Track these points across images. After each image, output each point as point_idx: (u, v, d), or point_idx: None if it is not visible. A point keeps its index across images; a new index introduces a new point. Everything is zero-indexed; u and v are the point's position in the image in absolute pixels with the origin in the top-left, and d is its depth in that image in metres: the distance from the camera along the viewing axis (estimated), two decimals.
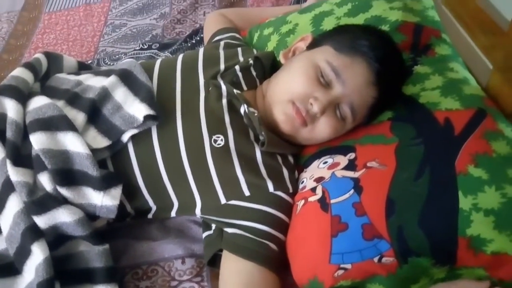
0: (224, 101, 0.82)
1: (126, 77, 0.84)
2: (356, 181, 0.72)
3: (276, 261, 0.74)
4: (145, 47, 1.29)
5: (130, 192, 0.81)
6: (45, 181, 0.75)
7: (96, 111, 0.81)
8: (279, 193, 0.79)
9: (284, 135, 0.83)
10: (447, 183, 0.67)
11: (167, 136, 0.79)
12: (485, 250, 0.63)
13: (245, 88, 0.89)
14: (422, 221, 0.65)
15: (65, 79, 0.91)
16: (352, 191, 0.71)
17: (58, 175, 0.74)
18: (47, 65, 0.93)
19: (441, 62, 0.87)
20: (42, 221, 0.73)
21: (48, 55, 0.94)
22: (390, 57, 0.81)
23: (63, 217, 0.74)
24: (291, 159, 0.86)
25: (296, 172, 0.84)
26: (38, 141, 0.76)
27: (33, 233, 0.72)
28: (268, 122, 0.83)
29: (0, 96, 0.82)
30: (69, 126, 0.77)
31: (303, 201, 0.76)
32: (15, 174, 0.74)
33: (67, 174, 0.75)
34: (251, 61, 0.91)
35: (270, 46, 1.04)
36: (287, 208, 0.79)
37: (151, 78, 0.85)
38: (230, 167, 0.78)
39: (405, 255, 0.65)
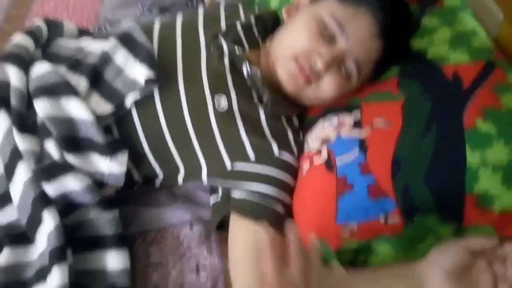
0: (226, 61, 0.81)
1: (126, 40, 0.82)
2: (361, 140, 0.71)
3: (283, 223, 0.74)
4: (146, 10, 1.26)
5: (137, 158, 0.81)
6: (51, 148, 0.75)
7: (97, 76, 0.80)
8: (284, 155, 0.78)
9: (288, 96, 0.82)
10: (454, 139, 0.65)
11: (169, 99, 0.78)
12: (493, 207, 0.62)
13: (247, 47, 0.87)
14: (428, 179, 0.64)
15: (66, 45, 0.90)
16: (357, 151, 0.70)
17: (64, 142, 0.75)
18: (48, 32, 0.91)
19: (449, 13, 0.84)
20: (51, 188, 0.74)
21: (48, 22, 0.92)
22: (396, 8, 0.79)
23: (71, 184, 0.74)
24: (295, 120, 0.84)
25: (301, 134, 0.83)
26: (42, 108, 0.75)
27: (43, 201, 0.73)
28: (272, 82, 0.82)
29: (2, 64, 0.81)
30: (72, 91, 0.76)
31: (308, 163, 0.75)
32: (22, 142, 0.75)
33: (73, 141, 0.76)
34: (253, 20, 0.89)
35: (273, 5, 1.01)
36: (293, 170, 0.78)
37: (151, 40, 0.83)
38: (234, 130, 0.77)
39: (411, 213, 0.64)
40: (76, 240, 0.75)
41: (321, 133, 0.78)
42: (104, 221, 0.77)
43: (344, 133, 0.74)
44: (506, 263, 0.59)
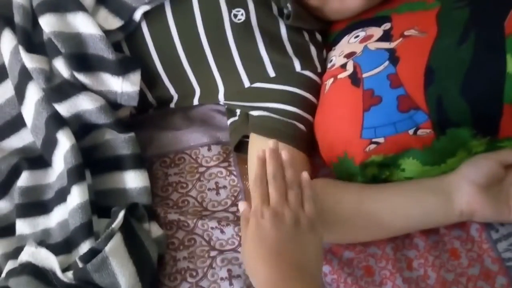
0: None
1: None
2: (391, 51, 0.66)
3: (304, 141, 0.71)
4: None
5: (150, 79, 0.78)
6: (61, 66, 0.73)
7: None
8: (307, 72, 0.74)
9: (311, 9, 0.76)
10: (494, 47, 0.60)
11: (182, 11, 0.74)
12: None
13: None
14: (465, 89, 0.60)
15: None
16: (387, 62, 0.65)
17: (73, 60, 0.72)
18: None
19: None
20: (64, 108, 0.72)
21: None
22: None
23: (84, 104, 0.72)
24: (318, 36, 0.79)
25: (325, 51, 0.78)
26: (48, 23, 0.72)
27: (56, 121, 0.72)
28: None
29: None
30: (78, 6, 0.73)
31: (332, 79, 0.71)
32: (30, 61, 0.72)
33: (83, 59, 0.73)
34: None
35: None
36: (315, 89, 0.74)
37: None
38: (252, 45, 0.73)
39: (444, 126, 0.61)
40: (94, 162, 0.75)
41: (346, 47, 0.73)
42: (120, 141, 0.76)
43: (372, 45, 0.69)
44: None
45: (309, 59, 0.75)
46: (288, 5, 0.73)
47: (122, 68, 0.73)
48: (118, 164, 0.75)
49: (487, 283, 0.62)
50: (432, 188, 0.62)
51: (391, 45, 0.67)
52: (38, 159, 0.76)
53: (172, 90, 0.80)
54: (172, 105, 0.82)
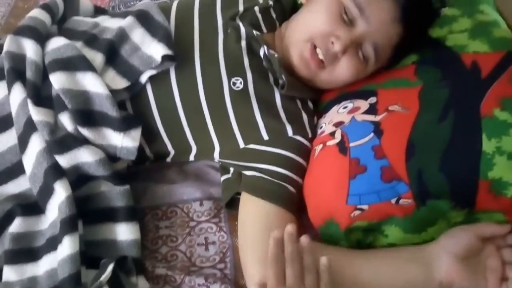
0: (243, 43, 0.81)
1: (143, 18, 0.82)
2: (376, 124, 0.71)
3: (294, 202, 0.74)
4: None
5: (150, 135, 0.81)
6: (66, 121, 0.76)
7: (114, 52, 0.80)
8: (298, 137, 0.78)
9: (303, 79, 0.82)
10: (471, 126, 0.65)
11: (185, 78, 0.79)
12: (506, 193, 0.62)
13: (264, 30, 0.87)
14: (444, 164, 0.64)
15: (82, 21, 0.90)
16: (372, 134, 0.70)
17: (78, 115, 0.75)
18: (64, 8, 0.91)
19: (470, 4, 0.83)
20: (64, 160, 0.74)
21: None
22: None
23: (84, 156, 0.75)
24: (310, 104, 0.84)
25: (315, 118, 0.83)
26: (58, 81, 0.76)
27: (55, 172, 0.74)
28: (287, 65, 0.82)
29: (19, 37, 0.81)
30: (88, 66, 0.77)
31: (321, 145, 0.75)
32: (37, 114, 0.75)
33: (88, 115, 0.76)
34: (271, 3, 0.89)
35: None
36: (306, 153, 0.78)
37: (168, 19, 0.83)
38: (249, 111, 0.77)
39: (424, 197, 0.64)
40: (87, 212, 0.76)
41: (335, 117, 0.78)
42: (115, 193, 0.77)
43: (359, 117, 0.74)
44: None
45: (301, 125, 0.80)
46: (283, 76, 0.78)
47: (124, 125, 0.76)
48: (111, 215, 0.76)
49: None
50: (414, 257, 0.65)
51: (376, 118, 0.72)
52: (32, 205, 0.77)
53: (169, 146, 0.83)
54: (169, 159, 0.85)
